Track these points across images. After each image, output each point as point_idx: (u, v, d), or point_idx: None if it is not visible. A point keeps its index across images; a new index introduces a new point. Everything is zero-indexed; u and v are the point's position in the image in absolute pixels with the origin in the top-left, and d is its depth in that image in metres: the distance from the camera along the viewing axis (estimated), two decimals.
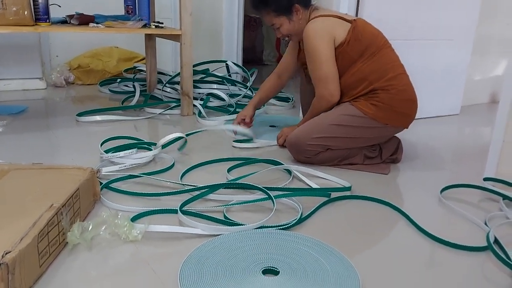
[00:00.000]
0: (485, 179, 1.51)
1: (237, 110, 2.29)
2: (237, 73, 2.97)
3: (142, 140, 1.77)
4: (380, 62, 1.56)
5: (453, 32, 2.37)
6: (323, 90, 1.59)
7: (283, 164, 1.55)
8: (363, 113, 1.54)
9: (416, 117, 1.63)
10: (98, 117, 2.09)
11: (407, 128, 1.63)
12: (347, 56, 1.56)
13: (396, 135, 1.69)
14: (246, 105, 2.43)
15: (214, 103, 2.43)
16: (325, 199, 1.32)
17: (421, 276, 0.97)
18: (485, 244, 1.10)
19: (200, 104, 2.29)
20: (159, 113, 2.25)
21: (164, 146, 1.66)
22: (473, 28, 2.44)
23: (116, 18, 2.21)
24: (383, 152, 1.65)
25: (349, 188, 1.40)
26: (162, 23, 2.22)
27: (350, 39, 1.55)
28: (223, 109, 2.36)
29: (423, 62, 2.31)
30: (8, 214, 0.93)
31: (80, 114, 2.10)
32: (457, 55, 2.44)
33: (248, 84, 2.64)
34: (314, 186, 1.42)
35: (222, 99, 2.45)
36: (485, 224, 1.21)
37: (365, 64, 1.55)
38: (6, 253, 0.78)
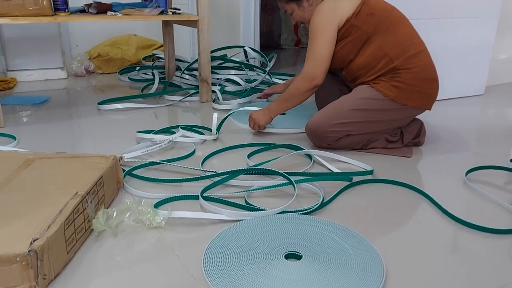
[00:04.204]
0: None
1: (252, 94, 2.29)
2: (254, 58, 2.95)
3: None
4: (400, 38, 1.53)
5: (478, 9, 2.29)
6: (309, 69, 1.57)
7: (303, 149, 1.54)
8: (383, 95, 1.51)
9: (439, 98, 1.59)
10: (118, 105, 2.11)
11: (429, 109, 1.59)
12: (360, 31, 1.53)
13: (419, 117, 1.66)
14: (263, 90, 2.42)
15: (233, 88, 2.43)
16: (347, 183, 1.30)
17: (446, 259, 0.95)
18: None
19: (218, 90, 2.29)
20: (179, 100, 2.25)
21: (218, 129, 1.73)
22: (498, 5, 2.36)
23: (133, 5, 2.22)
24: (404, 136, 1.62)
25: (371, 172, 1.39)
26: (179, 9, 2.21)
27: (359, 12, 1.52)
28: (240, 94, 2.35)
29: (446, 41, 2.24)
30: (34, 202, 0.95)
31: (101, 103, 2.13)
32: (482, 33, 2.37)
33: (267, 69, 2.62)
34: (336, 170, 1.40)
35: (240, 85, 2.45)
36: None
37: (384, 41, 1.52)
38: (34, 240, 0.80)
